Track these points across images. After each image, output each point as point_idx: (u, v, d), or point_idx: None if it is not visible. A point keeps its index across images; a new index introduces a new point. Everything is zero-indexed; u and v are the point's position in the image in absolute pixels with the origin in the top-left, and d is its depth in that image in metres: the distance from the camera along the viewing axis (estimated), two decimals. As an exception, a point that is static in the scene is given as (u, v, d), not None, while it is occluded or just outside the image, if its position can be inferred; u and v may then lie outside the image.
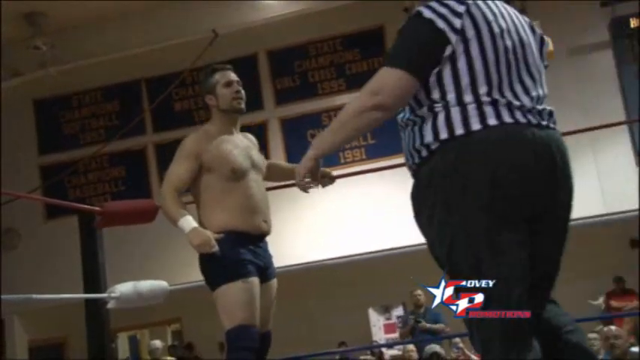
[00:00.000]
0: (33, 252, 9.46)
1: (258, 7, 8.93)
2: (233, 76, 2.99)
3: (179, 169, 2.88)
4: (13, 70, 9.38)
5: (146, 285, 3.70)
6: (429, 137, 1.83)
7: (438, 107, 1.82)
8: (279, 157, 9.10)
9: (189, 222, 2.77)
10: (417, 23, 1.83)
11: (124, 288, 3.62)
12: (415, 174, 1.92)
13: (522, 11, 7.77)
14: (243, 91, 2.99)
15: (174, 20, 8.99)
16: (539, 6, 7.90)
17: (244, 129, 3.15)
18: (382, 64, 1.86)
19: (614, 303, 8.24)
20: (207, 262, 2.81)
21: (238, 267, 2.75)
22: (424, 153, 1.85)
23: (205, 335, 9.12)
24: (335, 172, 3.27)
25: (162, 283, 3.80)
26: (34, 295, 3.04)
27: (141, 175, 9.52)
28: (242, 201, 2.83)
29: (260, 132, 9.15)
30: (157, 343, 8.91)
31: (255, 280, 2.76)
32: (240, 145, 2.95)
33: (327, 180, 3.06)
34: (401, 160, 2.12)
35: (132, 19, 9.09)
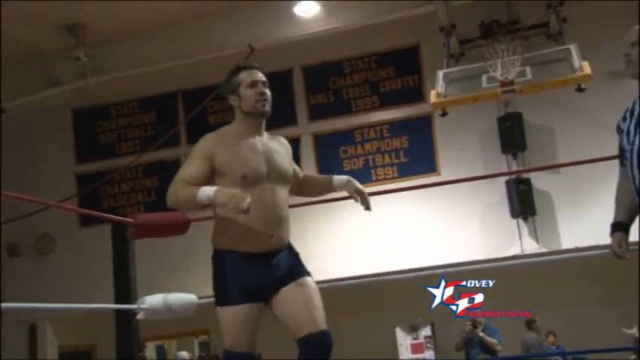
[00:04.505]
0: (67, 258, 9.60)
1: (294, 24, 9.00)
2: (259, 76, 2.72)
3: (190, 167, 2.61)
4: (53, 80, 9.58)
5: (175, 298, 3.72)
6: None
7: None
8: (310, 173, 9.09)
9: (207, 189, 2.49)
10: None
11: (153, 300, 3.64)
12: None
13: (559, 34, 7.76)
14: (268, 92, 2.71)
15: (212, 34, 9.10)
16: (576, 29, 7.82)
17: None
18: None
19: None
20: (213, 281, 2.66)
21: (227, 293, 2.58)
22: None
23: (232, 348, 9.09)
24: (367, 190, 3.18)
25: (191, 297, 3.81)
26: (66, 305, 3.08)
27: (174, 187, 9.61)
28: (250, 213, 2.46)
29: (293, 147, 9.16)
30: (184, 354, 8.94)
31: (242, 308, 2.56)
32: (260, 150, 2.67)
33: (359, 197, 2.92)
34: (430, 179, 2.11)
35: (170, 33, 9.23)
